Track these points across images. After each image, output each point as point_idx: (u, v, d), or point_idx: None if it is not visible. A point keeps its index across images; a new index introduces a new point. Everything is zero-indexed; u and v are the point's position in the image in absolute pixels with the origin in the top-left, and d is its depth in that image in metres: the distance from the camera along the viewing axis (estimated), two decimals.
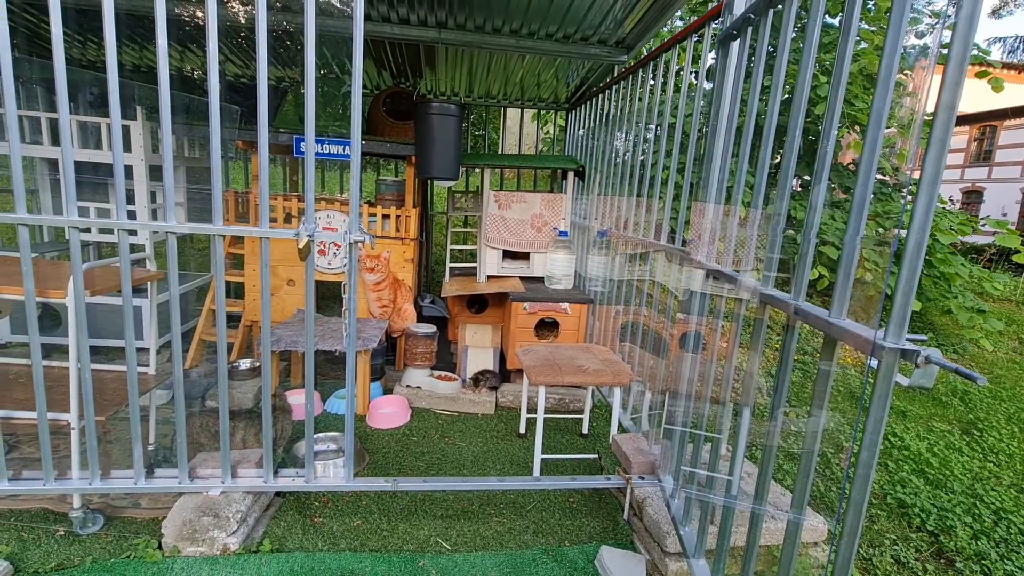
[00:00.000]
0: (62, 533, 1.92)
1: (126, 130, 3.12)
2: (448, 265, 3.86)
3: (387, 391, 3.30)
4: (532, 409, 3.06)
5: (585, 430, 3.01)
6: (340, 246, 3.42)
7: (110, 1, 1.55)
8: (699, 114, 2.53)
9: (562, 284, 3.65)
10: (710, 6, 5.28)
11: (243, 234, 2.02)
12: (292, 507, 2.17)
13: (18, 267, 1.80)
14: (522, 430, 2.96)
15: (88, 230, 3.39)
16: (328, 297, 4.79)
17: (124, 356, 1.83)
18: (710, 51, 2.28)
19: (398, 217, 3.49)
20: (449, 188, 4.13)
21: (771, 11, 1.60)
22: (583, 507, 2.33)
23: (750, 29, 1.75)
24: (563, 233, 3.64)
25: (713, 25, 2.16)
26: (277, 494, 2.18)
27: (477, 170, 4.67)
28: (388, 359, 3.62)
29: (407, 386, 3.26)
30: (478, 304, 3.94)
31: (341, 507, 2.20)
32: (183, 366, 1.93)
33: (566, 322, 3.43)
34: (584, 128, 4.21)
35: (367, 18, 3.05)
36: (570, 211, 3.77)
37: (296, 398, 3.01)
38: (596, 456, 2.69)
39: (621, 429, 2.83)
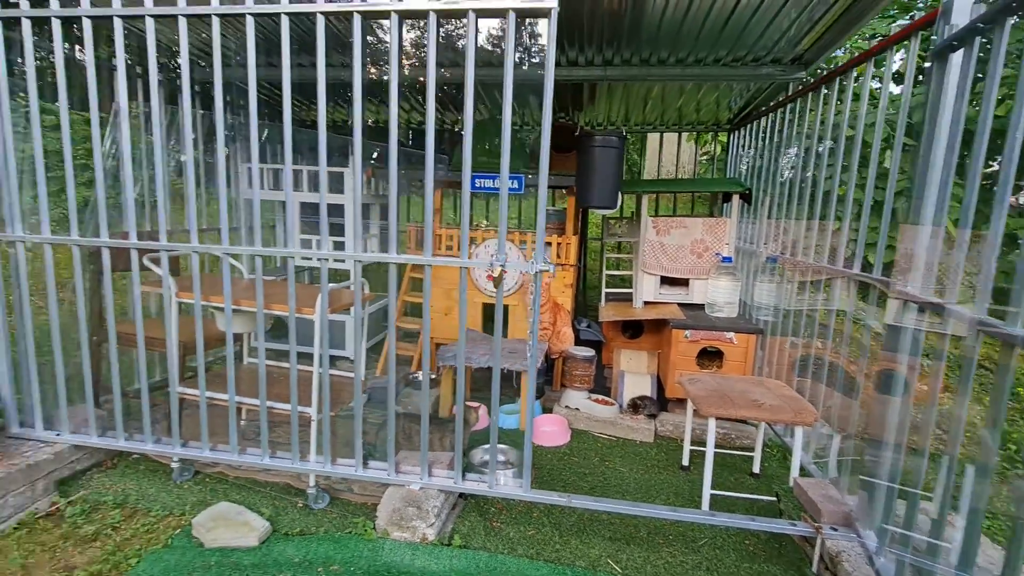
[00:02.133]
0: (300, 505, 2.37)
1: (340, 176, 3.79)
2: (603, 290, 3.94)
3: (546, 410, 3.46)
4: (696, 441, 2.97)
5: (756, 469, 2.82)
6: (506, 272, 3.71)
7: (322, 87, 1.96)
8: (882, 125, 2.30)
9: (725, 312, 3.50)
10: (896, 21, 4.73)
11: (414, 262, 2.32)
12: (474, 509, 2.39)
13: (276, 289, 2.31)
14: (685, 462, 2.88)
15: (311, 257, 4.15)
16: (494, 318, 5.18)
17: (324, 363, 2.23)
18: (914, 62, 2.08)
19: (559, 244, 3.68)
20: (604, 215, 4.24)
21: (1009, 20, 1.44)
22: (761, 552, 2.19)
23: (977, 39, 1.58)
24: (727, 259, 3.50)
25: (921, 34, 1.97)
26: (460, 495, 2.43)
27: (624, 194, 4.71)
28: (546, 379, 3.80)
29: (566, 407, 3.39)
30: (632, 329, 3.94)
31: (515, 515, 2.37)
32: (375, 373, 2.28)
33: (731, 352, 3.28)
34: (751, 149, 4.02)
35: (538, 65, 3.34)
36: (734, 236, 3.62)
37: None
38: (775, 498, 2.51)
39: (803, 472, 2.60)
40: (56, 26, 2.21)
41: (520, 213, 5.89)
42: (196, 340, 2.32)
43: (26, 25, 2.23)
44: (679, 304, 3.69)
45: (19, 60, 2.36)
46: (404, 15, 1.96)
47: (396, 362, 3.07)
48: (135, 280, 2.33)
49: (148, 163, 3.31)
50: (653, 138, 5.21)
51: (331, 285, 2.40)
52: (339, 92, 4.30)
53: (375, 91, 4.25)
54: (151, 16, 2.10)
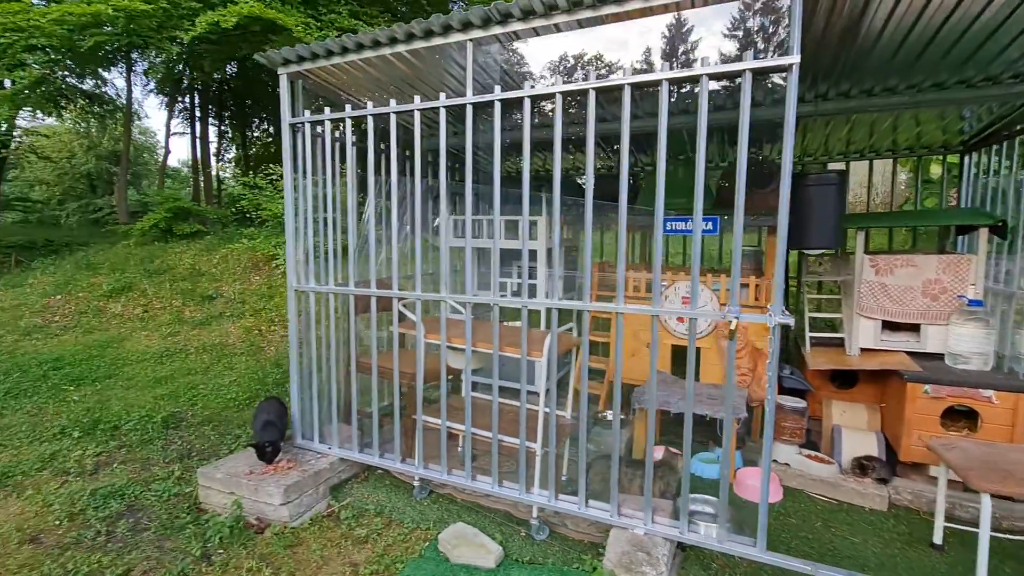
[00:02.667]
0: (524, 535, 2.56)
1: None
2: (807, 334, 3.64)
3: (747, 462, 3.27)
4: (949, 517, 2.56)
5: None
6: (739, 325, 3.64)
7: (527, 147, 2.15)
8: None
9: (973, 364, 2.99)
10: None
11: (606, 310, 2.39)
12: (694, 562, 2.35)
13: (490, 330, 2.58)
14: (937, 540, 2.49)
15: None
16: (683, 362, 5.08)
17: (551, 402, 2.38)
18: None
19: (757, 286, 3.52)
20: (800, 251, 3.94)
21: None
22: None
23: None
24: (975, 303, 3.01)
25: None
26: (679, 545, 2.40)
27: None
28: (747, 429, 3.59)
29: (774, 461, 3.16)
30: (842, 378, 3.56)
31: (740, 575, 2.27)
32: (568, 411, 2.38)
33: (990, 413, 2.78)
34: (1001, 172, 3.45)
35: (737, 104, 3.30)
36: (981, 275, 3.11)
37: (659, 454, 3.27)
38: None
39: None
40: (348, 123, 2.83)
41: (702, 252, 5.74)
42: (417, 374, 2.69)
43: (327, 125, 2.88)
44: (908, 353, 3.25)
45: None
46: (636, 86, 2.14)
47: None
48: (395, 321, 2.80)
49: (386, 225, 3.95)
50: (857, 167, 4.73)
51: (551, 329, 2.61)
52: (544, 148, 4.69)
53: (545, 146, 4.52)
54: (419, 110, 2.57)
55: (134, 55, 18.07)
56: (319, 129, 3.10)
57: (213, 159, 27.04)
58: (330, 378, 3.09)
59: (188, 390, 4.64)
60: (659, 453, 3.25)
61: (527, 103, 2.34)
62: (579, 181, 5.38)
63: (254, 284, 7.71)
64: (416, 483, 2.88)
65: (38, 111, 8.99)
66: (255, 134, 29.06)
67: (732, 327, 1.99)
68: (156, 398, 4.45)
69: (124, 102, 23.58)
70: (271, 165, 8.45)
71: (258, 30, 8.80)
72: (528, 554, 2.40)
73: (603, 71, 2.24)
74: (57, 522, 2.59)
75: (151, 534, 2.54)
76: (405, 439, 2.90)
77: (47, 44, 7.56)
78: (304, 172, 2.97)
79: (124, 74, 21.10)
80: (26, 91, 7.81)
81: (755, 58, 1.90)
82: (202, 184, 23.05)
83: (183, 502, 2.82)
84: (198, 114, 26.09)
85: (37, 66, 7.77)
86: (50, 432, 3.66)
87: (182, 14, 7.62)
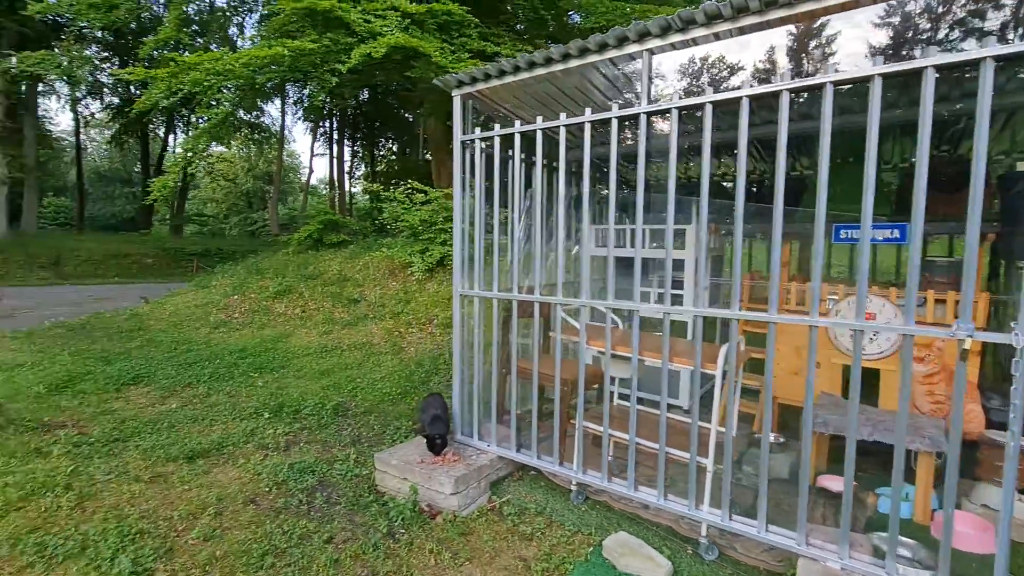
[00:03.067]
0: (691, 552, 2.47)
1: (683, 232, 4.01)
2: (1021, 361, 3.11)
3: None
4: None
5: None
6: (970, 341, 3.29)
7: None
8: None
9: None
10: None
11: (757, 319, 2.21)
12: None
13: (656, 341, 2.52)
14: None
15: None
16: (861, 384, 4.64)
17: (731, 421, 2.26)
18: None
19: (957, 302, 3.09)
20: (1013, 262, 3.39)
21: None
22: None
23: None
24: None
25: None
26: None
27: None
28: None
29: (982, 505, 2.74)
30: None
31: None
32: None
33: None
34: None
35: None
36: None
37: (832, 483, 2.98)
38: None
39: None
40: (518, 139, 2.99)
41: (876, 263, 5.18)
42: (580, 379, 2.71)
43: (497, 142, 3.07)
44: None
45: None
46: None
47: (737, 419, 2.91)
48: (557, 327, 2.88)
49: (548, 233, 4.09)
50: None
51: (729, 341, 2.51)
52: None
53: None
54: (589, 122, 2.64)
55: (288, 88, 20.72)
56: (482, 145, 3.31)
57: (347, 176, 30.11)
58: (490, 379, 3.26)
59: (348, 383, 5.16)
60: (834, 483, 2.96)
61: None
62: (725, 185, 5.15)
63: (391, 289, 8.38)
64: (573, 487, 2.92)
65: (215, 141, 10.65)
66: (381, 153, 31.84)
67: (965, 347, 1.77)
68: (323, 388, 5.01)
69: (278, 129, 27.06)
70: (409, 180, 9.16)
71: (399, 59, 9.66)
72: (699, 573, 2.32)
73: (743, 77, 2.14)
74: (267, 489, 3.01)
75: (342, 508, 2.85)
76: (561, 443, 2.96)
77: (234, 84, 8.97)
78: (471, 185, 3.19)
79: (279, 106, 24.24)
80: (217, 125, 9.33)
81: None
82: (336, 199, 25.66)
83: (363, 483, 3.14)
84: (335, 137, 29.15)
85: (227, 103, 9.27)
86: (247, 411, 4.28)
87: (340, 49, 8.62)
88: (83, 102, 26.40)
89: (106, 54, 23.19)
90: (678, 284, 4.08)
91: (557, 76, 2.89)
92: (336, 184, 28.59)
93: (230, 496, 2.90)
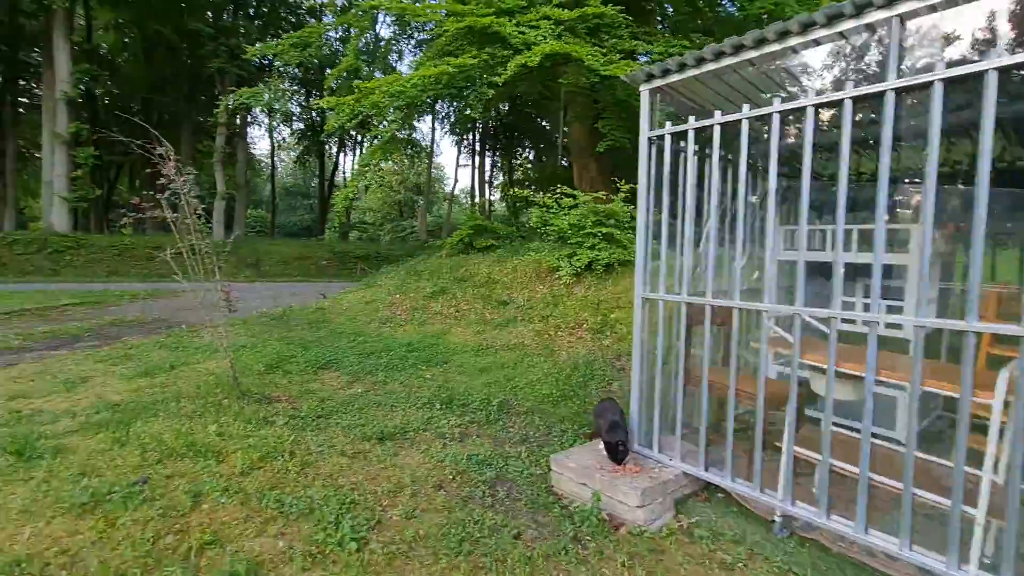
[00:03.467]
0: None
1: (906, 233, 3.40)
2: None
3: None
4: None
5: None
6: None
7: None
8: None
9: None
10: None
11: (1004, 332, 1.65)
12: None
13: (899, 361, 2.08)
14: None
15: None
16: None
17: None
18: None
19: None
20: None
21: None
22: None
23: None
24: None
25: None
26: None
27: None
28: None
29: None
30: None
31: None
32: None
33: None
34: None
35: None
36: None
37: None
38: None
39: None
40: (716, 132, 2.76)
41: None
42: (790, 398, 2.36)
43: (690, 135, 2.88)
44: None
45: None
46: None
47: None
48: (763, 338, 2.59)
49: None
50: None
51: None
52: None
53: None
54: (813, 106, 2.33)
55: (438, 105, 22.47)
56: (664, 141, 3.13)
57: (487, 185, 31.76)
58: (670, 388, 3.06)
59: (506, 381, 5.30)
60: None
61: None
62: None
63: (539, 293, 8.51)
64: (777, 518, 2.59)
65: (385, 156, 11.83)
66: (517, 161, 33.01)
67: None
68: (484, 384, 5.21)
69: (427, 144, 29.46)
70: (555, 185, 9.26)
71: (548, 66, 9.84)
72: None
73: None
74: (451, 476, 3.16)
75: (523, 505, 2.88)
76: (749, 464, 2.65)
77: (404, 103, 9.89)
78: (659, 183, 3.03)
79: (429, 122, 26.34)
80: (388, 142, 10.39)
81: None
82: (476, 206, 27.12)
83: (538, 482, 3.14)
84: (477, 148, 30.90)
85: (397, 122, 10.30)
86: (421, 401, 4.59)
87: (496, 62, 9.04)
88: (277, 129, 31.46)
89: (295, 87, 27.39)
90: (896, 292, 3.47)
91: (752, 63, 2.62)
92: (478, 192, 30.24)
93: (420, 479, 3.09)
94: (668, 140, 2.98)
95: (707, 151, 3.59)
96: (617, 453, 2.87)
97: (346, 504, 2.71)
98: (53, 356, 5.87)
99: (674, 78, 2.90)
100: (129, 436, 3.39)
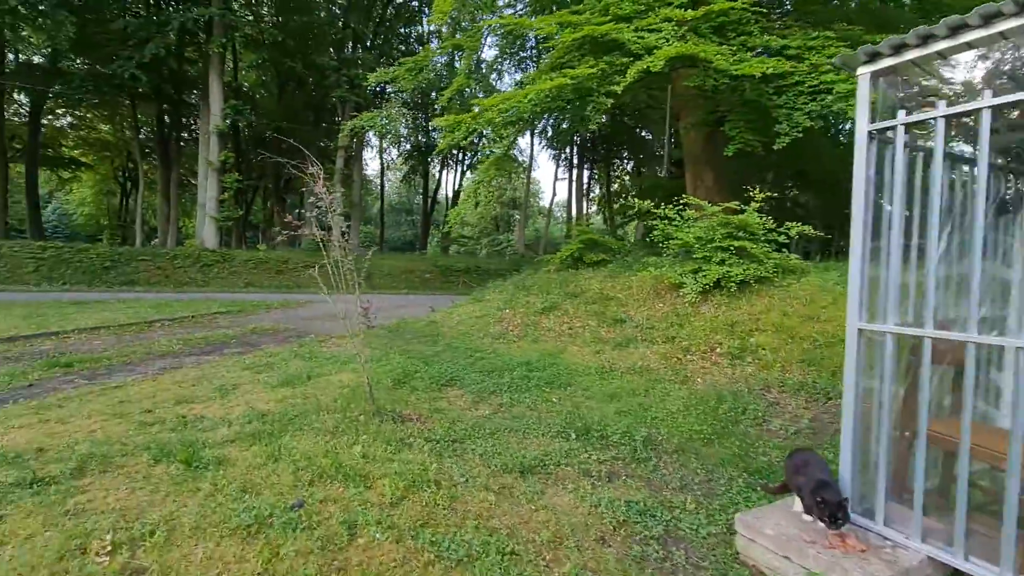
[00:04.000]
0: None
1: None
2: None
3: None
4: None
5: None
6: None
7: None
8: None
9: None
10: None
11: None
12: None
13: None
14: None
15: None
16: None
17: None
18: None
19: None
20: None
21: None
22: None
23: None
24: None
25: None
26: None
27: None
28: None
29: None
30: None
31: None
32: None
33: None
34: None
35: None
36: None
37: None
38: None
39: None
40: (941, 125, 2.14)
41: None
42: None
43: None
44: None
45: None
46: None
47: None
48: (968, 377, 1.91)
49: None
50: None
51: None
52: None
53: None
54: None
55: (538, 121, 22.48)
56: (889, 134, 2.53)
57: (584, 199, 31.33)
58: (897, 444, 2.42)
59: (642, 411, 4.80)
60: None
61: None
62: None
63: (659, 311, 7.88)
64: None
65: (498, 171, 11.88)
66: (615, 173, 32.21)
67: None
68: (617, 413, 4.76)
69: (525, 159, 29.70)
70: (683, 195, 8.62)
71: (667, 71, 9.26)
72: None
73: None
74: (611, 527, 2.76)
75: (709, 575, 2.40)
76: None
77: (517, 119, 9.83)
78: (890, 184, 2.44)
79: (527, 138, 26.53)
80: (501, 157, 10.40)
81: None
82: (584, 219, 26.73)
83: (720, 546, 2.64)
84: (574, 161, 30.61)
85: (508, 138, 10.30)
86: (554, 429, 4.25)
87: (614, 70, 8.66)
88: (387, 150, 33.56)
89: (404, 111, 29.06)
90: None
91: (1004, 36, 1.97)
92: (575, 205, 29.86)
93: (579, 527, 2.73)
94: (901, 132, 2.38)
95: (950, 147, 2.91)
96: (836, 519, 2.29)
97: (506, 554, 2.42)
98: (207, 361, 6.37)
99: (914, 54, 2.32)
100: (280, 451, 3.40)
